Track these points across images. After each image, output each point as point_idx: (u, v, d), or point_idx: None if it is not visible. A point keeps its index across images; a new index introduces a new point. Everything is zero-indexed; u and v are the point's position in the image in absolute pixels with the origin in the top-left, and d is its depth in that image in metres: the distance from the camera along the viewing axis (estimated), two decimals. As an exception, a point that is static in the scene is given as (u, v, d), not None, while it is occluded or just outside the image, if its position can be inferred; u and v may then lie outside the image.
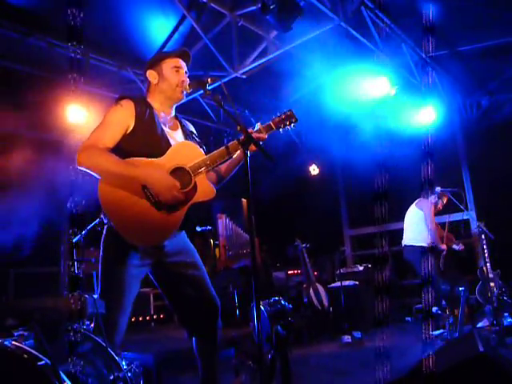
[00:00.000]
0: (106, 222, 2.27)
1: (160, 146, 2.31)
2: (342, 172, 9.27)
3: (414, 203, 5.45)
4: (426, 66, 6.16)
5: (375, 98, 5.85)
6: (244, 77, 5.38)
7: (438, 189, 5.33)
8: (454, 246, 5.41)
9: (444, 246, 5.20)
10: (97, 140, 2.21)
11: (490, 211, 6.38)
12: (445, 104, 6.88)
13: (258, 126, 2.44)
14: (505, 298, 5.12)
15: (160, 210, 2.19)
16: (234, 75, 5.38)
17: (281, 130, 2.47)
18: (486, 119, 7.44)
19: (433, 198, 5.35)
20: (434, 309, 5.03)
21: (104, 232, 2.30)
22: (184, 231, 2.45)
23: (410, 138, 8.09)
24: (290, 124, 2.47)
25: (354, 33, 4.79)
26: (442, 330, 4.86)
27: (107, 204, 2.16)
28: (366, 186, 5.97)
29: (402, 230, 5.57)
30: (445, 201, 5.42)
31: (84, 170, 2.17)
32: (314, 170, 8.66)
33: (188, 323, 2.45)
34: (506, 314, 4.84)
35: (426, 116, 6.38)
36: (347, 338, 5.03)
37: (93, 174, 2.17)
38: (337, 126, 7.84)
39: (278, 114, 2.47)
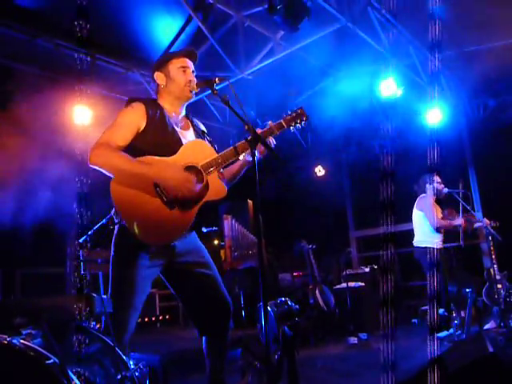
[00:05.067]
0: (116, 221, 2.26)
1: (172, 145, 2.31)
2: (348, 173, 9.25)
3: (415, 204, 5.45)
4: (433, 67, 6.14)
5: (382, 98, 5.83)
6: (250, 77, 5.38)
7: (445, 190, 5.30)
8: (477, 225, 5.35)
9: (459, 221, 5.06)
10: (109, 139, 2.21)
11: (497, 212, 6.33)
12: (451, 105, 6.85)
13: (269, 124, 2.44)
14: (512, 299, 5.08)
15: (172, 208, 2.19)
16: (240, 76, 5.38)
17: (292, 128, 2.46)
18: (492, 120, 7.39)
19: (430, 190, 5.31)
20: (441, 310, 5.00)
21: (115, 232, 2.29)
22: (194, 232, 2.44)
23: (417, 139, 8.08)
24: (300, 122, 2.46)
25: (360, 33, 4.78)
26: (448, 332, 4.83)
27: (120, 203, 2.15)
28: (373, 187, 5.95)
29: (408, 232, 5.56)
30: (438, 184, 5.31)
31: (96, 167, 2.17)
32: (319, 171, 8.65)
33: (200, 323, 2.44)
34: (513, 316, 4.80)
35: (432, 117, 6.36)
36: (353, 340, 5.01)
37: (105, 171, 2.18)
38: (343, 127, 7.82)
39: (289, 113, 2.47)
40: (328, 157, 9.07)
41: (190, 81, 2.41)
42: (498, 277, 5.24)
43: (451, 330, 4.84)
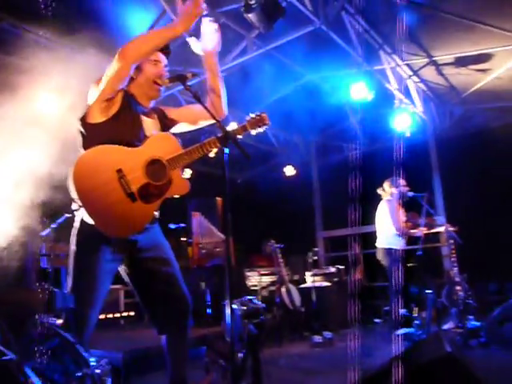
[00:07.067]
0: (77, 214, 2.22)
1: (138, 135, 2.29)
2: (318, 174, 9.37)
3: (379, 206, 5.59)
4: (402, 73, 6.28)
5: (353, 101, 5.92)
6: (224, 75, 5.34)
7: (409, 193, 5.45)
8: (437, 229, 5.56)
9: (420, 233, 5.27)
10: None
11: (460, 216, 6.53)
12: (419, 111, 7.03)
13: (233, 125, 2.46)
14: (470, 301, 5.25)
15: (134, 201, 2.17)
16: (213, 73, 5.34)
17: (254, 132, 2.47)
18: (458, 128, 7.63)
19: (395, 194, 5.45)
20: (402, 310, 5.12)
21: (76, 225, 2.25)
22: (158, 227, 2.43)
23: (386, 142, 8.26)
24: (261, 126, 2.47)
25: (334, 36, 4.83)
26: (409, 330, 4.96)
27: (81, 192, 2.11)
28: (341, 189, 6.03)
29: (374, 233, 5.68)
30: (403, 187, 5.48)
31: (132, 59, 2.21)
32: (289, 171, 8.71)
33: (158, 320, 2.41)
34: (470, 317, 4.96)
35: (400, 122, 6.49)
36: (318, 338, 5.06)
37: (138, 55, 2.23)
38: (314, 128, 7.90)
39: (253, 116, 2.47)
40: (299, 157, 9.14)
41: (161, 75, 2.39)
42: (457, 279, 5.40)
43: (412, 329, 4.97)
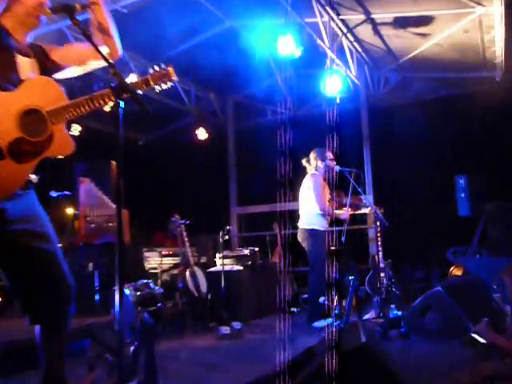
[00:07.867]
0: None
1: (10, 76, 2.19)
2: (235, 140, 9.41)
3: (304, 181, 5.77)
4: (336, 30, 6.43)
5: (279, 57, 5.96)
6: (125, 11, 5.14)
7: (337, 168, 5.67)
8: (364, 210, 5.91)
9: (345, 215, 5.53)
10: None
11: (387, 196, 6.96)
12: (352, 75, 7.26)
13: (134, 77, 2.40)
14: (393, 289, 5.66)
15: (2, 158, 2.08)
16: (112, 7, 5.10)
17: (157, 87, 2.41)
18: (392, 97, 8.03)
19: (321, 168, 5.67)
20: (322, 299, 5.39)
21: None
22: (34, 193, 2.35)
23: (313, 108, 8.47)
24: (166, 82, 2.41)
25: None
26: (327, 322, 5.25)
27: None
28: (261, 158, 6.14)
29: (296, 211, 5.86)
30: (331, 161, 5.74)
31: None
32: (202, 134, 8.65)
33: (32, 307, 2.36)
34: (392, 306, 5.36)
35: (331, 85, 6.63)
36: (225, 330, 5.18)
37: None
38: (233, 85, 7.89)
39: (158, 69, 2.41)
40: (213, 119, 9.11)
41: (41, 3, 2.27)
42: (381, 265, 5.80)
43: (330, 320, 5.26)
